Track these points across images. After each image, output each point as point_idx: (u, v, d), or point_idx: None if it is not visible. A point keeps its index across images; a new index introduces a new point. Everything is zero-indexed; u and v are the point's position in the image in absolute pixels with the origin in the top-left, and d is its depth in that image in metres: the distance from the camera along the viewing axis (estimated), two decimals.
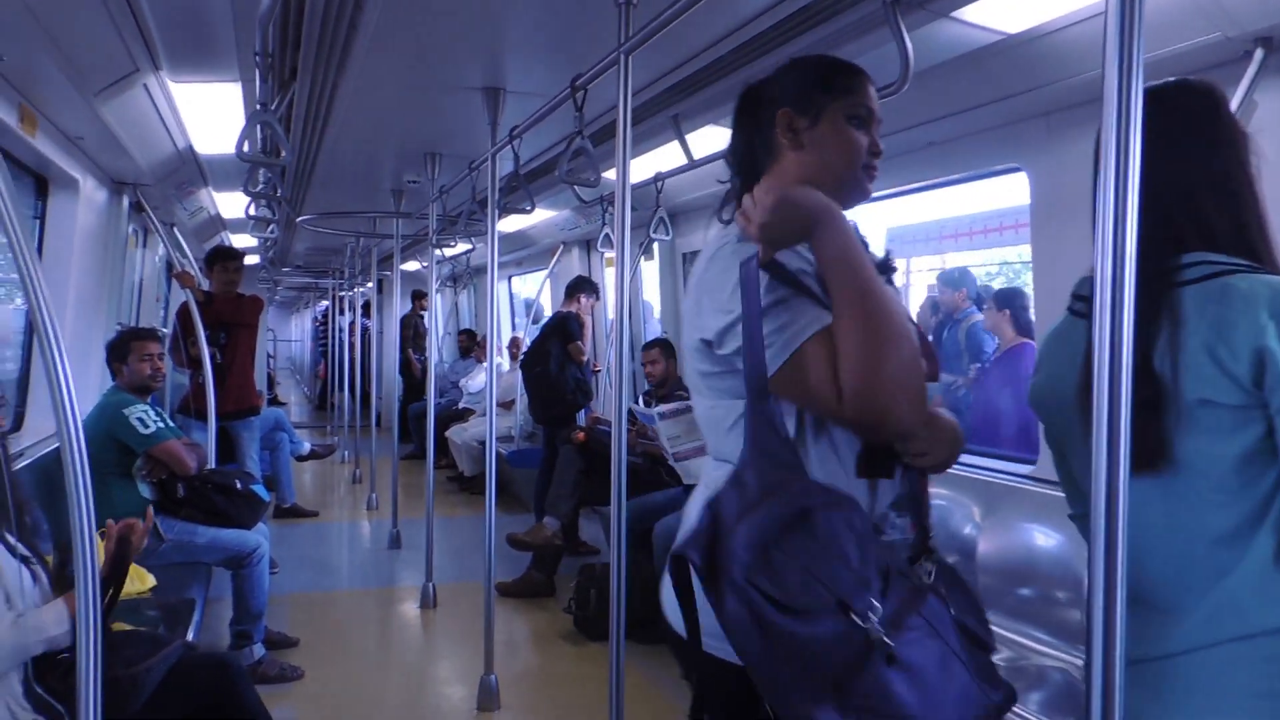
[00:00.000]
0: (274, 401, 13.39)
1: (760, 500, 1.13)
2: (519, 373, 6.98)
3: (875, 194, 3.56)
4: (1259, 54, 1.99)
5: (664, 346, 4.81)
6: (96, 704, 1.36)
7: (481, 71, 3.15)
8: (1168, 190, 1.21)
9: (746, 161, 1.49)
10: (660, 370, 4.74)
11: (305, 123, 3.82)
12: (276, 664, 3.57)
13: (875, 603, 1.08)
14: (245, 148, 2.82)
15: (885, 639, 1.06)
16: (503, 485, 6.99)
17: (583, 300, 5.57)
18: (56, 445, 1.36)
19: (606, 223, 4.69)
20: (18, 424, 3.78)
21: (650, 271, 5.80)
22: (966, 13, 2.29)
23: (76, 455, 1.34)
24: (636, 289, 6.00)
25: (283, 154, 2.97)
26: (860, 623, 1.07)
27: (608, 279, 6.19)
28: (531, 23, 2.67)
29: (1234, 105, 1.98)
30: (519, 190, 3.36)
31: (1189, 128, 1.25)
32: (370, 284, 9.60)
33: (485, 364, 8.41)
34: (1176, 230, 1.21)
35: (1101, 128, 0.91)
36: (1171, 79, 1.30)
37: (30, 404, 3.97)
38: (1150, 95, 1.30)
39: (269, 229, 6.41)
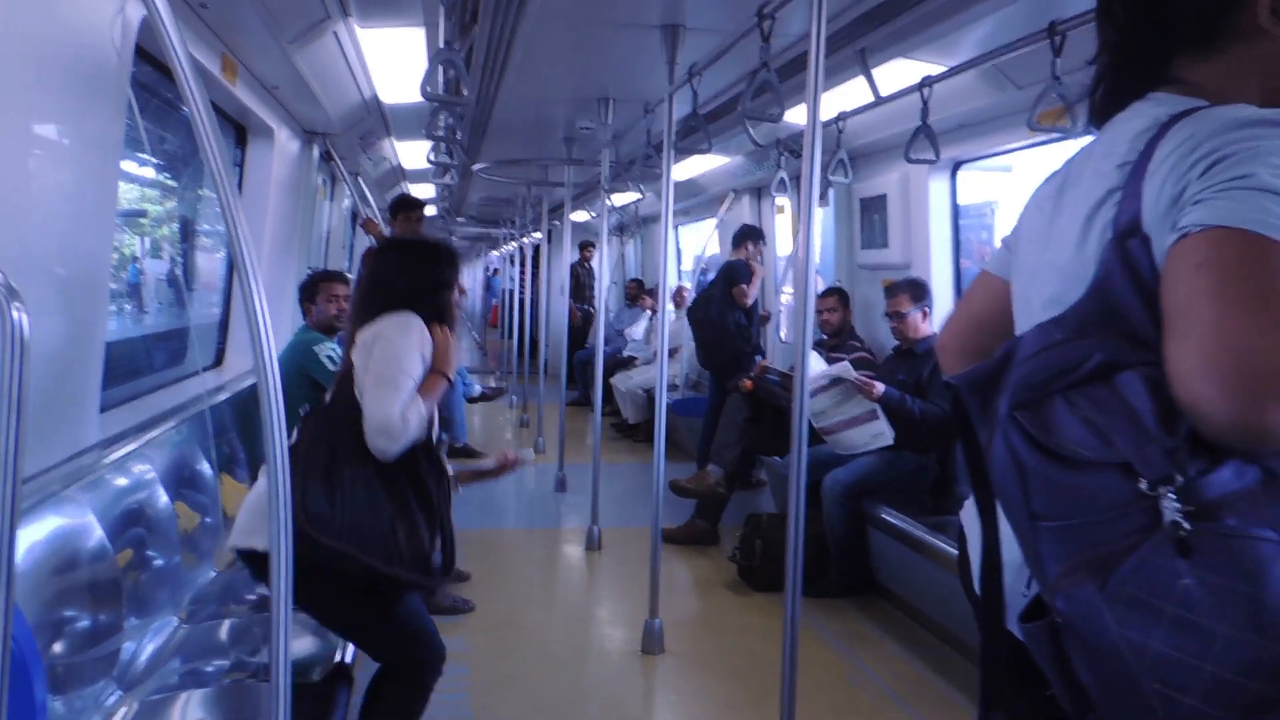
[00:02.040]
0: None
1: (1064, 340, 0.93)
2: (683, 321, 6.97)
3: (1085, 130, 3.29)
4: None
5: (840, 295, 4.65)
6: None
7: (660, 7, 3.07)
8: None
9: (1153, 28, 1.04)
10: (837, 319, 4.59)
11: (484, 69, 3.86)
12: (450, 596, 3.70)
13: (1173, 472, 0.82)
14: (429, 89, 2.84)
15: (1180, 519, 0.80)
16: (667, 433, 7.02)
17: (750, 248, 5.49)
18: (254, 381, 1.39)
19: (782, 166, 4.53)
20: (219, 360, 4.04)
21: (819, 218, 5.61)
22: None
23: (271, 388, 1.37)
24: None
25: (464, 93, 2.98)
26: (1144, 489, 0.83)
27: (779, 226, 6.02)
28: None
29: None
30: (697, 133, 3.27)
31: None
32: (539, 234, 9.77)
33: (648, 312, 8.44)
34: None
35: None
36: None
37: (230, 343, 4.24)
38: None
39: (447, 176, 6.58)
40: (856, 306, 4.71)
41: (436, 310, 2.30)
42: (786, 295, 5.93)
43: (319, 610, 2.14)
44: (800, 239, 2.10)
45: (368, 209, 6.53)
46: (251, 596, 2.77)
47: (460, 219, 11.70)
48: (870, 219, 4.60)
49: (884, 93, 3.28)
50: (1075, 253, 1.01)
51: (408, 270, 2.34)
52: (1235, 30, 0.99)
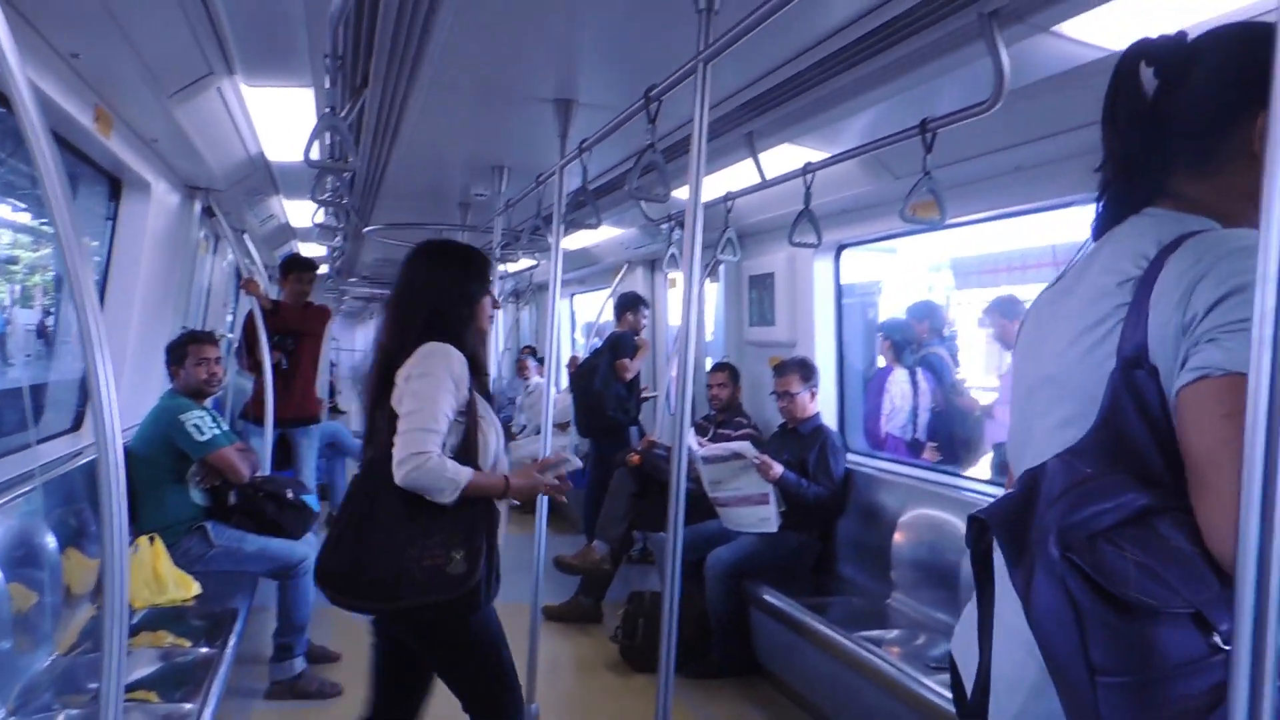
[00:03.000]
0: (334, 409, 13.55)
1: (1094, 477, 0.91)
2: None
3: (955, 221, 3.43)
4: None
5: (730, 371, 4.69)
6: None
7: (554, 82, 3.09)
8: None
9: (1152, 143, 1.08)
10: (726, 395, 4.63)
11: (376, 132, 3.81)
12: (316, 679, 3.51)
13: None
14: (314, 154, 2.78)
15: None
16: (553, 505, 6.90)
17: (631, 317, 5.53)
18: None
19: (673, 242, 4.59)
20: (78, 423, 3.81)
21: (712, 293, 5.69)
22: (1069, 28, 2.15)
23: (111, 458, 1.28)
24: (701, 311, 5.89)
25: (350, 160, 2.93)
26: (1219, 642, 0.81)
27: (671, 300, 6.09)
28: (606, 31, 2.59)
29: None
30: (586, 206, 3.28)
31: None
32: None
33: (538, 380, 8.37)
34: None
35: (1268, 140, 0.78)
36: None
37: (92, 404, 4.00)
38: None
39: (336, 238, 6.44)
40: (744, 383, 4.76)
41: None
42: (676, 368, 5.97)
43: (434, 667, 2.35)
44: (683, 316, 2.10)
45: (251, 267, 6.33)
46: (94, 685, 2.56)
47: (352, 279, 11.46)
48: (759, 296, 4.68)
49: (770, 176, 3.36)
50: (1078, 369, 0.98)
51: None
52: (1231, 153, 1.00)
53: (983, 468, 4.43)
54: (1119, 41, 2.17)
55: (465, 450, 2.21)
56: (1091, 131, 2.54)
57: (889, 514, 3.66)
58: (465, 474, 2.14)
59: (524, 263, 7.04)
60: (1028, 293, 9.15)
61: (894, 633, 3.22)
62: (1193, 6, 1.97)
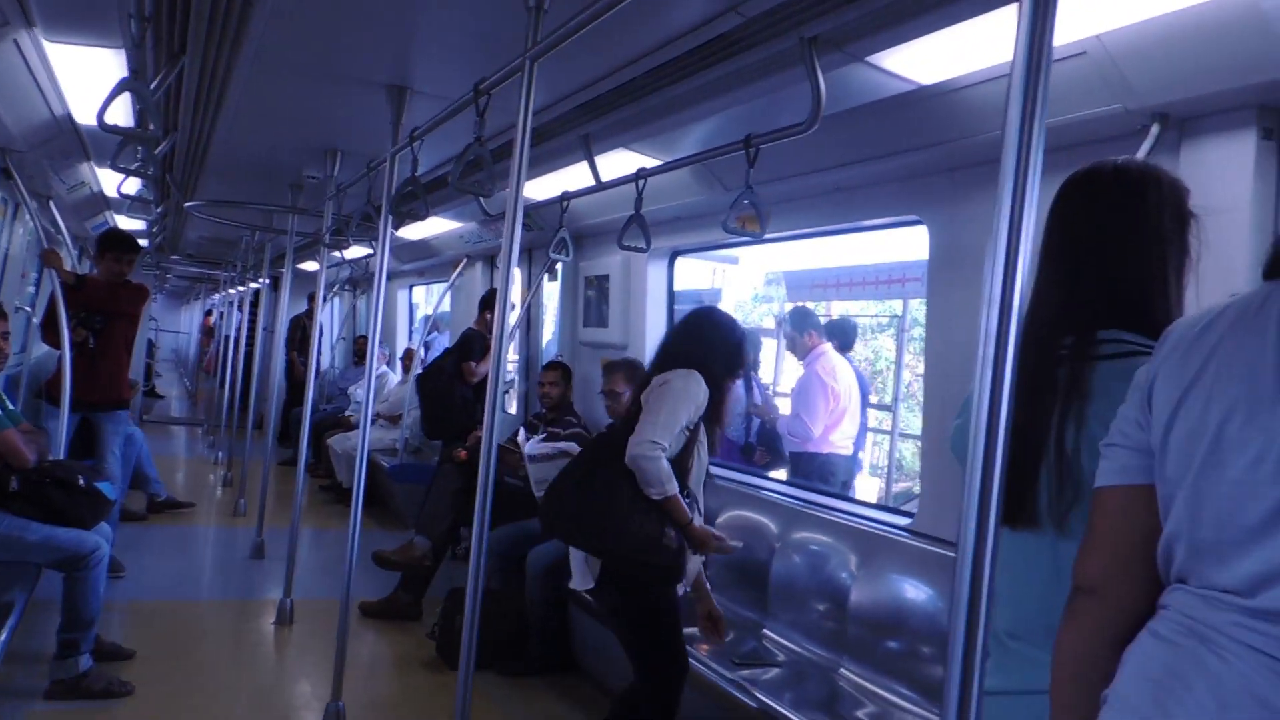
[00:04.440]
0: (150, 393, 12.76)
1: None
2: (412, 385, 6.79)
3: (778, 235, 3.56)
4: (1155, 129, 2.01)
5: (563, 370, 4.70)
6: None
7: (387, 67, 3.02)
8: (1092, 269, 1.30)
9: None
10: (557, 394, 4.63)
11: (196, 103, 3.61)
12: (104, 677, 3.29)
13: None
14: (115, 118, 2.61)
15: None
16: (383, 500, 6.74)
17: (488, 317, 5.40)
18: None
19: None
20: None
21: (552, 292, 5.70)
22: (883, 59, 2.27)
23: None
24: (539, 309, 5.89)
25: (150, 128, 2.76)
26: None
27: (513, 296, 6.04)
28: (441, 19, 2.55)
29: None
30: (417, 198, 3.22)
31: (1118, 208, 1.32)
32: (265, 280, 9.22)
33: (384, 371, 8.17)
34: (1097, 307, 1.29)
35: (1000, 188, 0.87)
36: (1113, 160, 1.37)
37: None
38: (1084, 174, 1.37)
39: (153, 212, 6.07)
40: (577, 383, 4.78)
41: None
42: (513, 365, 5.94)
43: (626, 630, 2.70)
44: (496, 314, 2.10)
45: (58, 236, 5.88)
46: None
47: (175, 257, 10.82)
48: (594, 298, 4.72)
49: (606, 179, 3.39)
50: None
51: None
52: None
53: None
54: (929, 76, 2.32)
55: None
56: (904, 158, 2.71)
57: (708, 515, 3.75)
58: (674, 486, 2.52)
59: (361, 250, 6.85)
60: (851, 308, 9.61)
61: None
62: (997, 48, 2.11)
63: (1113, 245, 1.31)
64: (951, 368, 2.75)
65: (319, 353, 6.46)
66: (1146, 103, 2.00)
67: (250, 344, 8.79)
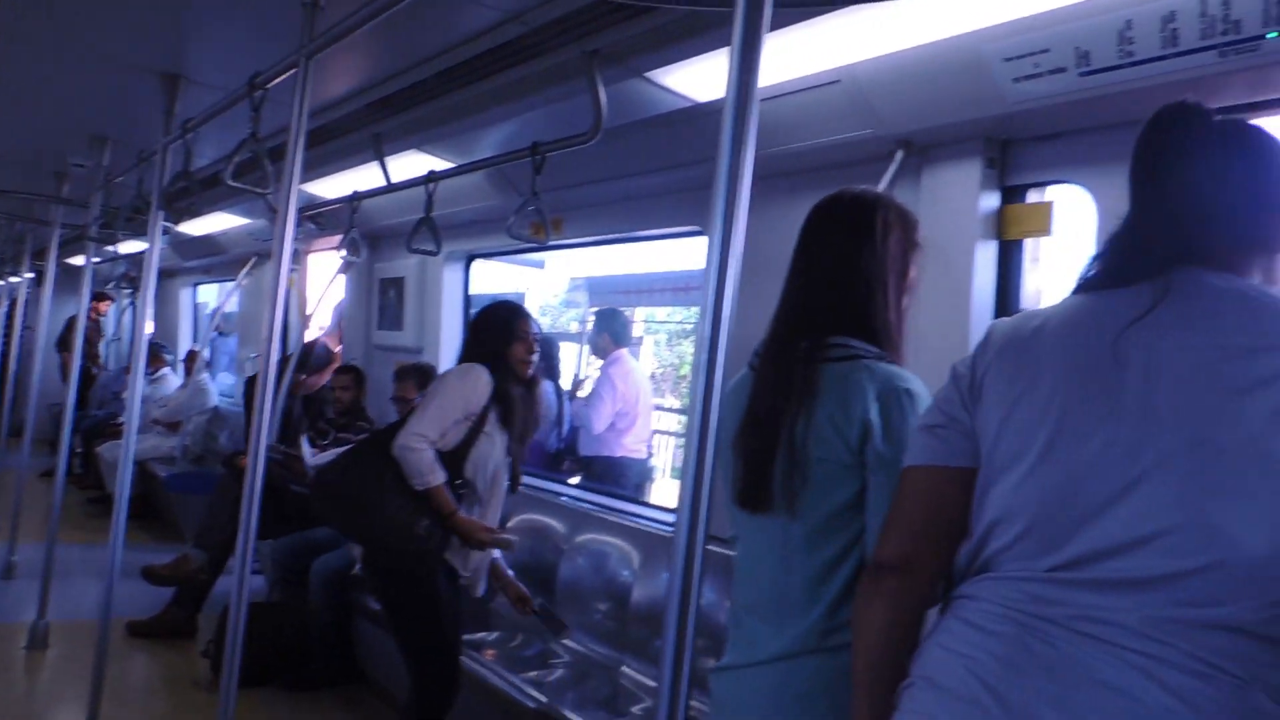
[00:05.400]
0: None
1: None
2: (196, 391, 6.41)
3: (569, 241, 3.62)
4: (900, 154, 2.21)
5: (355, 373, 4.56)
6: None
7: (159, 52, 2.86)
8: (825, 283, 1.46)
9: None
10: (349, 398, 4.49)
11: None
12: None
13: None
14: None
15: None
16: (159, 512, 6.31)
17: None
18: None
19: (299, 237, 4.41)
20: None
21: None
22: (662, 76, 2.37)
23: None
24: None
25: None
26: None
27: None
28: (215, 5, 2.45)
29: None
30: (192, 194, 3.06)
31: (851, 231, 1.47)
32: (28, 275, 8.43)
33: (165, 372, 7.64)
34: (828, 316, 1.44)
35: (711, 211, 0.95)
36: (853, 188, 1.53)
37: None
38: (828, 200, 1.52)
39: None
40: (371, 386, 4.67)
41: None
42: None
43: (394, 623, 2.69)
44: (267, 316, 2.03)
45: None
46: None
47: None
48: (388, 300, 4.63)
49: (399, 180, 3.35)
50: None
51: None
52: None
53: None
54: (704, 94, 2.43)
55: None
56: (684, 171, 2.82)
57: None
58: (437, 477, 2.52)
59: (139, 245, 6.39)
60: (659, 314, 9.86)
61: (494, 635, 3.31)
62: (766, 70, 2.25)
63: (844, 263, 1.47)
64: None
65: (82, 356, 5.96)
66: (892, 130, 2.19)
67: (7, 343, 8.02)
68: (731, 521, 1.54)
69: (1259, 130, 1.14)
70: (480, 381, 2.61)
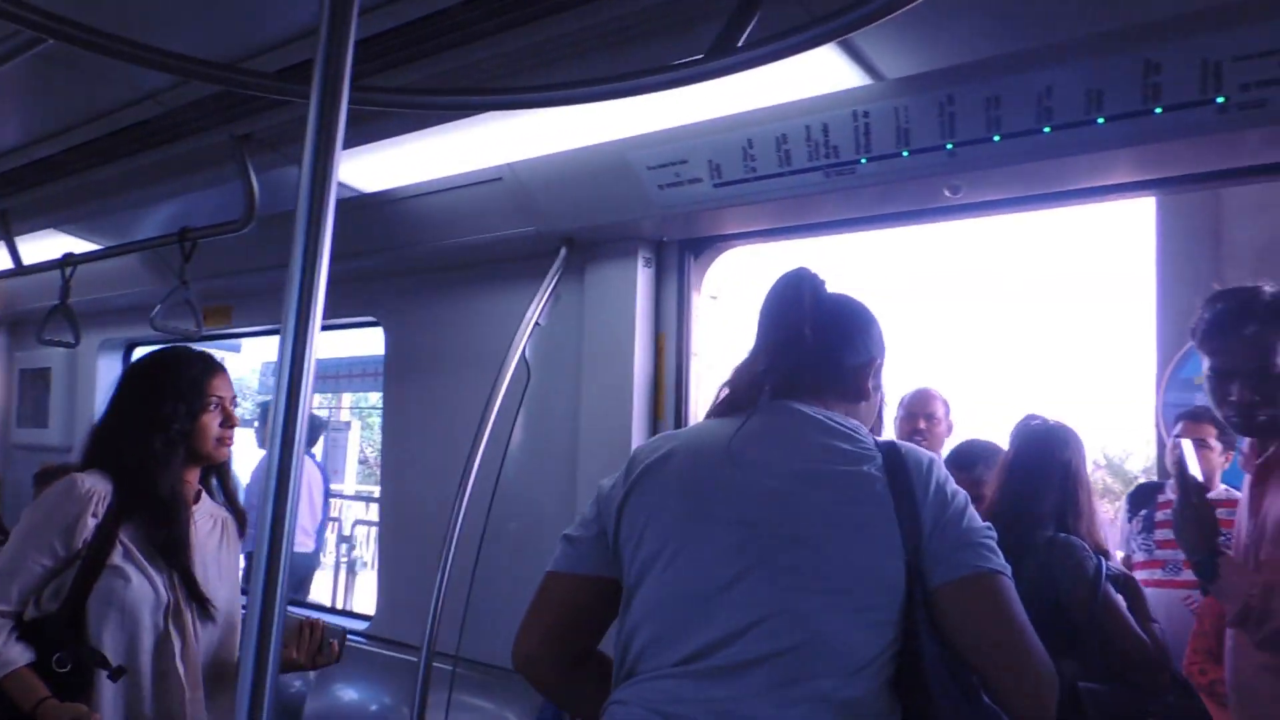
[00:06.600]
0: None
1: None
2: None
3: (235, 330, 3.39)
4: (564, 251, 2.26)
5: None
6: None
7: None
8: None
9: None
10: None
11: None
12: None
13: None
14: None
15: None
16: None
17: None
18: None
19: None
20: None
21: None
22: None
23: None
24: None
25: None
26: None
27: None
28: None
29: (543, 293, 2.21)
30: None
31: None
32: None
33: None
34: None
35: (284, 319, 0.88)
36: None
37: None
38: None
39: None
40: (8, 491, 4.09)
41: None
42: None
43: None
44: None
45: None
46: None
47: None
48: (32, 395, 4.10)
49: (33, 261, 2.98)
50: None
51: None
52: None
53: None
54: (370, 185, 2.37)
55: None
56: (357, 261, 2.72)
57: None
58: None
59: None
60: (373, 398, 9.51)
61: None
62: (434, 163, 2.23)
63: None
64: (406, 458, 2.77)
65: None
66: (555, 227, 2.24)
67: None
68: None
69: (852, 304, 1.36)
70: (96, 488, 1.72)
